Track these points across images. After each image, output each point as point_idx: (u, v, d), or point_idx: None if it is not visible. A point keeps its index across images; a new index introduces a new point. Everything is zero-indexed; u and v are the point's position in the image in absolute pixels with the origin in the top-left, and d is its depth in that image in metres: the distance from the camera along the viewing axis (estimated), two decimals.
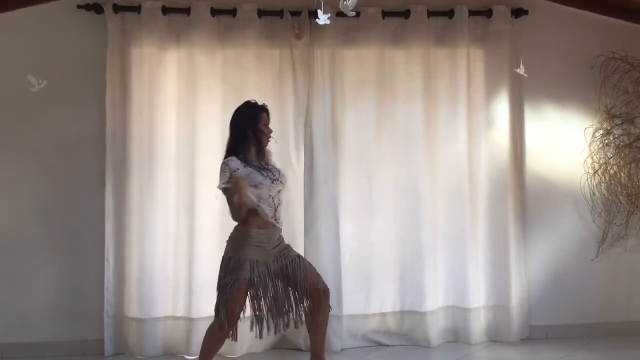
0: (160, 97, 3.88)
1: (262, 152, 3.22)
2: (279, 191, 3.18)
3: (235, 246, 3.08)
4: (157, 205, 3.84)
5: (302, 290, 3.16)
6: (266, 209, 3.07)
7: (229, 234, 3.15)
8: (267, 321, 3.12)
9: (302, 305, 3.19)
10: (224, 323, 3.04)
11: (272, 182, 3.12)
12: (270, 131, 3.25)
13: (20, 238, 3.86)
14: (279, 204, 3.18)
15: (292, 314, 3.18)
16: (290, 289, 3.17)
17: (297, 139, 3.99)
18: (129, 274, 3.84)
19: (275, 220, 3.14)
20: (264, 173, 3.11)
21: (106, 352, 3.85)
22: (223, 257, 3.12)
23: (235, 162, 3.06)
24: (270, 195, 3.11)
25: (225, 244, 3.15)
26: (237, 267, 3.03)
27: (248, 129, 3.15)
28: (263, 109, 3.22)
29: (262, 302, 3.10)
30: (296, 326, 3.21)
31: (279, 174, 3.22)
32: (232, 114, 3.22)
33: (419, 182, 4.01)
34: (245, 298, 3.08)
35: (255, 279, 3.04)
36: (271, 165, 3.25)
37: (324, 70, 3.97)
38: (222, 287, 3.05)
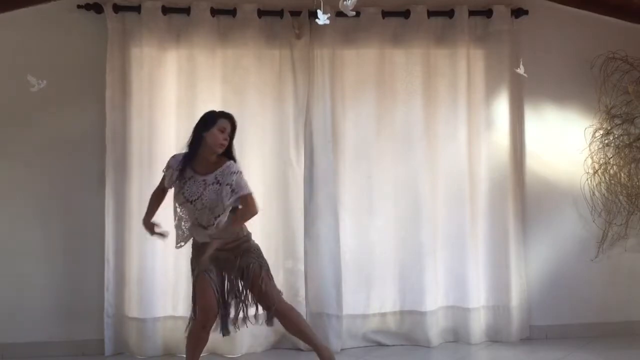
0: (160, 97, 3.88)
1: (214, 160, 3.13)
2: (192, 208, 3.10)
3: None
4: None
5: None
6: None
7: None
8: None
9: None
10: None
11: (186, 202, 3.09)
12: (225, 139, 3.13)
13: (20, 238, 3.86)
14: (187, 219, 3.17)
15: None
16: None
17: (297, 139, 3.99)
18: (129, 274, 3.84)
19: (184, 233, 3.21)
20: (185, 188, 3.08)
21: (106, 352, 3.85)
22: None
23: (171, 160, 3.17)
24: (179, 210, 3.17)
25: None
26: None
27: (201, 132, 3.11)
28: (222, 115, 3.17)
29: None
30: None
31: (201, 196, 3.06)
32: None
33: (419, 182, 4.01)
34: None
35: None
36: (208, 182, 3.08)
37: (324, 70, 3.97)
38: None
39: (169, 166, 3.17)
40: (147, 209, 3.30)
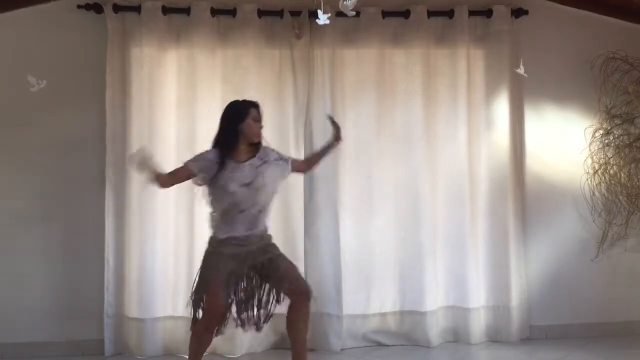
0: (160, 97, 3.88)
1: (247, 149, 3.15)
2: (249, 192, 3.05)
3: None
4: (157, 205, 3.84)
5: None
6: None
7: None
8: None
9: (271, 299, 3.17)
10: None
11: (240, 187, 3.03)
12: (260, 127, 3.18)
13: (21, 238, 3.86)
14: (247, 207, 3.05)
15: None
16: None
17: (297, 139, 3.99)
18: (129, 274, 3.84)
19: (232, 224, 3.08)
20: (235, 176, 3.03)
21: (106, 352, 3.85)
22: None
23: (207, 154, 3.11)
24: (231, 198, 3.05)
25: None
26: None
27: (236, 124, 3.11)
28: (253, 105, 3.17)
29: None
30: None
31: (256, 178, 3.07)
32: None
33: (419, 182, 4.01)
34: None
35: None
36: (255, 164, 3.11)
37: (324, 70, 3.97)
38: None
39: (205, 158, 3.09)
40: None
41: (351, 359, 3.84)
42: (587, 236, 4.22)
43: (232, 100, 3.24)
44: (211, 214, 3.16)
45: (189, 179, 3.13)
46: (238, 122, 3.11)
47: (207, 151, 3.14)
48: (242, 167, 3.09)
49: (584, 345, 4.00)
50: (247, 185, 3.06)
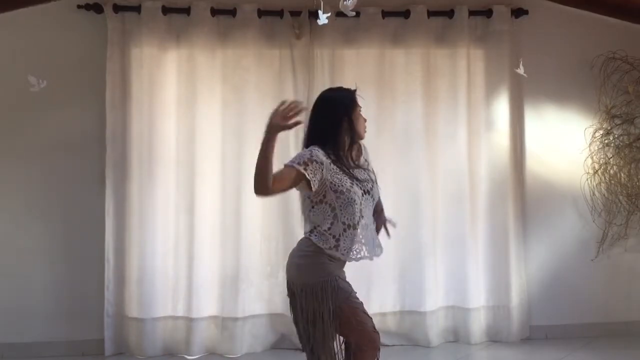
0: (160, 97, 3.88)
1: (354, 148, 2.59)
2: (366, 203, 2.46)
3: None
4: (157, 205, 3.84)
5: None
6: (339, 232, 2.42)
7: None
8: None
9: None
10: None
11: (363, 194, 2.45)
12: (365, 120, 2.63)
13: (21, 238, 3.86)
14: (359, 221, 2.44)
15: None
16: None
17: (297, 139, 3.97)
18: (129, 273, 3.84)
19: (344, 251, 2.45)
20: (358, 179, 2.46)
21: (106, 352, 3.85)
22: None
23: (319, 153, 2.43)
24: (356, 210, 2.42)
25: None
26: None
27: (343, 118, 2.50)
28: (356, 93, 2.57)
29: None
30: None
31: (373, 182, 2.51)
32: (318, 99, 2.61)
33: (419, 182, 4.01)
34: None
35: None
36: (363, 166, 2.58)
37: (324, 70, 3.97)
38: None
39: (316, 160, 2.40)
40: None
41: None
42: (587, 236, 4.22)
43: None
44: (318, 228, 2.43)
45: (295, 185, 2.40)
46: (348, 112, 2.51)
47: (313, 149, 2.47)
48: (359, 169, 2.51)
49: (584, 345, 4.00)
50: (369, 193, 2.48)
